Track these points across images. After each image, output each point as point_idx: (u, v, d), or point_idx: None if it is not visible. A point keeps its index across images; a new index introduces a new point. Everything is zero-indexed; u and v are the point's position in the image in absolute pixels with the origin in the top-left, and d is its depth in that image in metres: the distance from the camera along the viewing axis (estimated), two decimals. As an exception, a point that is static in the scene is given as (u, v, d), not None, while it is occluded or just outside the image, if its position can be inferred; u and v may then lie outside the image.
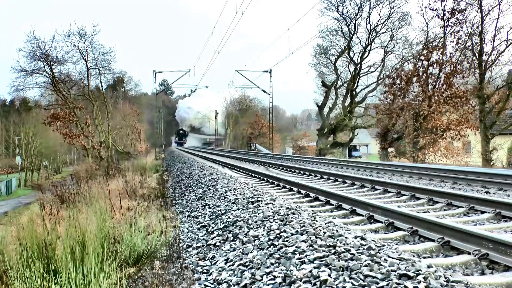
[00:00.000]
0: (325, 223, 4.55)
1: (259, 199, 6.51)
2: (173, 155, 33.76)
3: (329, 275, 3.06)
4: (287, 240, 4.04)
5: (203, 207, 7.67)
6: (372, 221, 5.41)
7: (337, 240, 3.76)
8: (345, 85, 35.07)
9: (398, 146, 26.45)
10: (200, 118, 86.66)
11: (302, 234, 4.12)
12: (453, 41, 22.16)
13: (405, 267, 2.96)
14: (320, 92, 37.73)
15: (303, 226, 4.40)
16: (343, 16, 32.00)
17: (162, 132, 61.68)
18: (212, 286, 3.77)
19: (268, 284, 3.27)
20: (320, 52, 35.51)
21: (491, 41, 20.42)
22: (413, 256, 3.48)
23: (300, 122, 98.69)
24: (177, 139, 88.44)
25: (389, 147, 26.81)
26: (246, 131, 60.24)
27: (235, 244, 4.67)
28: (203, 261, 4.60)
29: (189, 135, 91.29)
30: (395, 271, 2.91)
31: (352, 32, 32.27)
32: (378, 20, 31.40)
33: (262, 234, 4.52)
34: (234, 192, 7.81)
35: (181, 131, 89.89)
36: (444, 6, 22.26)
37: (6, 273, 3.97)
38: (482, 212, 5.61)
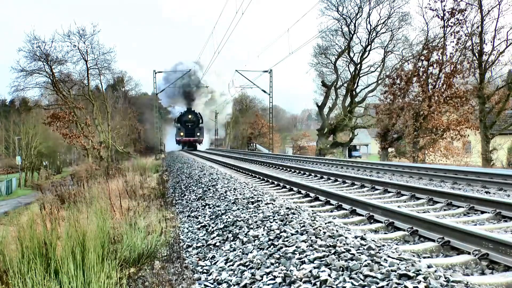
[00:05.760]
0: (325, 223, 4.55)
1: (259, 199, 6.51)
2: (173, 155, 33.75)
3: (329, 275, 3.06)
4: (287, 240, 4.04)
5: (203, 207, 7.67)
6: (372, 221, 5.41)
7: (337, 240, 3.76)
8: (345, 85, 35.10)
9: (398, 146, 26.46)
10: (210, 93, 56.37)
11: (302, 234, 4.12)
12: (453, 41, 22.21)
13: (405, 267, 2.96)
14: (320, 92, 37.81)
15: (303, 226, 4.40)
16: (343, 16, 32.06)
17: (161, 132, 58.84)
18: (212, 286, 3.77)
19: (268, 284, 3.26)
20: (320, 52, 35.55)
21: (491, 41, 20.48)
22: (413, 256, 3.48)
23: (300, 122, 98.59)
24: (181, 134, 46.58)
25: (389, 147, 26.82)
26: (246, 131, 60.20)
27: (235, 244, 4.67)
28: (203, 261, 4.60)
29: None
30: (395, 271, 2.91)
31: (352, 32, 32.32)
32: (378, 20, 31.51)
33: (262, 234, 4.52)
34: (234, 192, 7.81)
35: (189, 117, 47.02)
36: (444, 6, 22.31)
37: (6, 273, 3.98)
38: (482, 212, 5.61)
